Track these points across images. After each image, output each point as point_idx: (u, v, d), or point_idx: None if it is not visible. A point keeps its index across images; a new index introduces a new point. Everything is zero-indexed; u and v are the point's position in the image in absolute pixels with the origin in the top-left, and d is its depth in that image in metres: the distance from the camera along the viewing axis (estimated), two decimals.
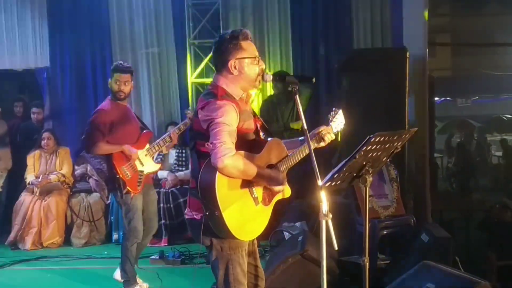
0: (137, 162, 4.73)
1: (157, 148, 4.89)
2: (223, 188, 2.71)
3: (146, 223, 4.92)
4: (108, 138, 4.68)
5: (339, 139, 3.33)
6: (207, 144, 2.69)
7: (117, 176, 4.61)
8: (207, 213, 2.73)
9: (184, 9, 7.80)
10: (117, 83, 4.74)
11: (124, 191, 4.63)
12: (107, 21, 7.97)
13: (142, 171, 4.76)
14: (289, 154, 3.04)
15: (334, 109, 3.30)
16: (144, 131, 4.95)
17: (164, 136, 4.94)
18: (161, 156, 6.69)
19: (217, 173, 2.67)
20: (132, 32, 8.01)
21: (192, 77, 7.82)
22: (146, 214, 4.93)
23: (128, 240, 4.79)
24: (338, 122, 3.26)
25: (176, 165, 7.18)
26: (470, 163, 13.60)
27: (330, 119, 3.25)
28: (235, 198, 2.77)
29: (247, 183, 2.82)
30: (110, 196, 6.87)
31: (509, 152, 13.94)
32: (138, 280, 4.95)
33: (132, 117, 4.94)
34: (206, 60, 7.68)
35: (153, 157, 4.96)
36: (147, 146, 4.87)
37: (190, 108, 5.01)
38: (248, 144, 2.86)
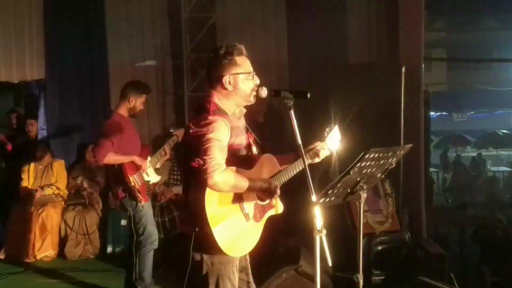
0: (144, 174, 4.81)
1: (156, 160, 4.97)
2: (213, 204, 2.68)
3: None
4: (115, 149, 4.69)
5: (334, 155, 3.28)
6: (197, 160, 2.62)
7: (130, 185, 4.66)
8: (197, 229, 2.71)
9: (181, 22, 7.82)
10: (143, 104, 4.90)
11: (139, 199, 4.70)
12: (104, 34, 7.96)
13: (149, 181, 4.86)
14: (282, 169, 3.00)
15: (330, 125, 3.24)
16: (145, 144, 5.06)
17: (159, 150, 5.01)
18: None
19: (207, 189, 2.64)
20: (129, 45, 8.02)
21: (188, 91, 7.83)
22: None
23: (145, 247, 4.81)
24: (333, 138, 3.20)
25: (171, 179, 7.16)
26: (465, 178, 13.63)
27: (326, 134, 3.20)
28: (226, 214, 2.74)
29: (238, 199, 2.79)
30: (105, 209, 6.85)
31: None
32: None
33: (135, 130, 5.02)
34: (202, 73, 7.69)
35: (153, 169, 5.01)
36: (149, 158, 4.94)
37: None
38: (239, 160, 2.82)
